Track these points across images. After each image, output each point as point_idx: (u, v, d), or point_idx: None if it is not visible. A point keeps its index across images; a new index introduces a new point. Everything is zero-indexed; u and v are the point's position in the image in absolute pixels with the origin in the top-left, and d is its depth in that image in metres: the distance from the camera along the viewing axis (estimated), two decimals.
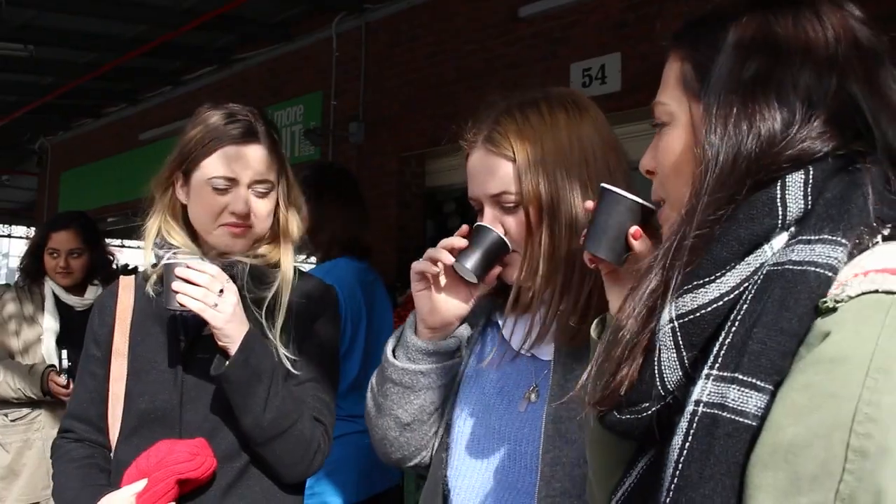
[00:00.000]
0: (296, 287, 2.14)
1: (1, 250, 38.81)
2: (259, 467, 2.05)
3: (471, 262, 1.61)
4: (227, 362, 1.96)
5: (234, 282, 2.03)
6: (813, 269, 0.92)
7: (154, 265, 2.09)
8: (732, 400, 0.91)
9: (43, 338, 4.13)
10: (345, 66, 8.04)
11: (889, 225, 0.97)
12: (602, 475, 1.30)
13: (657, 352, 1.02)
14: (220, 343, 1.98)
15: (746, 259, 0.99)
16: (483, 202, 1.67)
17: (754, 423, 0.90)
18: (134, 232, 2.23)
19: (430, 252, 1.66)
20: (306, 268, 3.94)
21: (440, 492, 1.74)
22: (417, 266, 1.68)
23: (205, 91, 10.09)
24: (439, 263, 1.64)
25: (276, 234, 2.13)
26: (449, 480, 1.73)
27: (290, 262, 2.13)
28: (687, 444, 0.93)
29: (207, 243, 2.09)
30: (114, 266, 4.51)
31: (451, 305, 1.71)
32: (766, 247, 0.99)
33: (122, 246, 18.32)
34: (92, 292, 4.25)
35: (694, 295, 1.00)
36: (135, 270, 12.92)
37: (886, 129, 1.02)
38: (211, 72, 9.98)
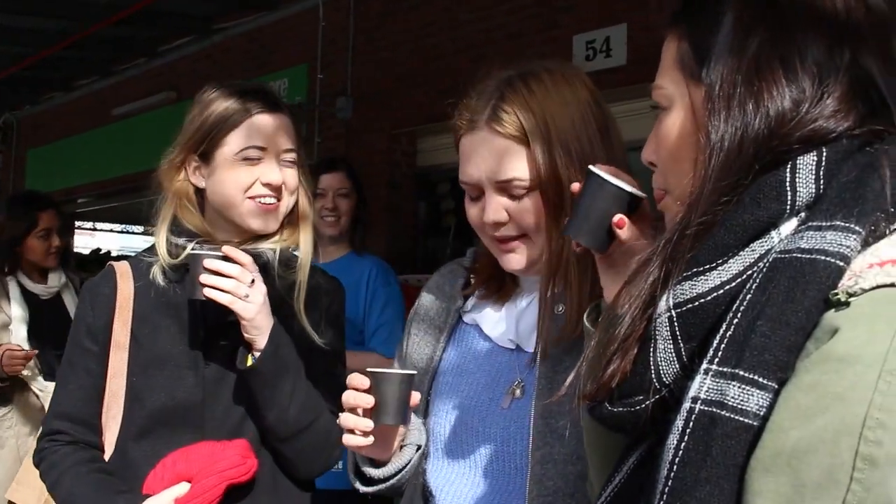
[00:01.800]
0: (310, 279, 2.15)
1: None
2: (277, 463, 2.08)
3: (389, 416, 1.57)
4: (259, 354, 1.98)
5: (267, 270, 2.06)
6: (823, 257, 0.91)
7: (171, 254, 2.08)
8: (732, 398, 0.90)
9: (12, 327, 4.12)
10: (332, 37, 8.00)
11: None
12: (599, 467, 1.31)
13: (653, 342, 1.02)
14: (247, 335, 1.99)
15: (751, 245, 0.98)
16: (486, 187, 1.64)
17: (755, 423, 0.89)
18: (108, 214, 2.22)
19: (347, 423, 1.61)
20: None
21: (419, 501, 1.74)
22: (347, 443, 1.63)
23: (183, 63, 10.04)
24: (359, 429, 1.60)
25: (294, 216, 2.16)
26: (432, 487, 1.72)
27: (309, 244, 2.16)
28: (683, 443, 0.92)
29: (232, 224, 2.10)
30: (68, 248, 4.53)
31: (390, 438, 1.68)
32: (773, 233, 0.97)
33: (94, 229, 18.26)
34: (55, 278, 4.24)
35: (693, 282, 0.99)
36: (108, 255, 12.82)
37: None
38: (189, 42, 9.91)
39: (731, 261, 0.98)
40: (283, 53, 8.66)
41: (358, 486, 1.77)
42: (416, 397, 1.61)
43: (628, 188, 1.31)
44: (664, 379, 1.01)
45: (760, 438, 0.88)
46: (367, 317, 3.77)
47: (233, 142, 2.06)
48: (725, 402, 0.90)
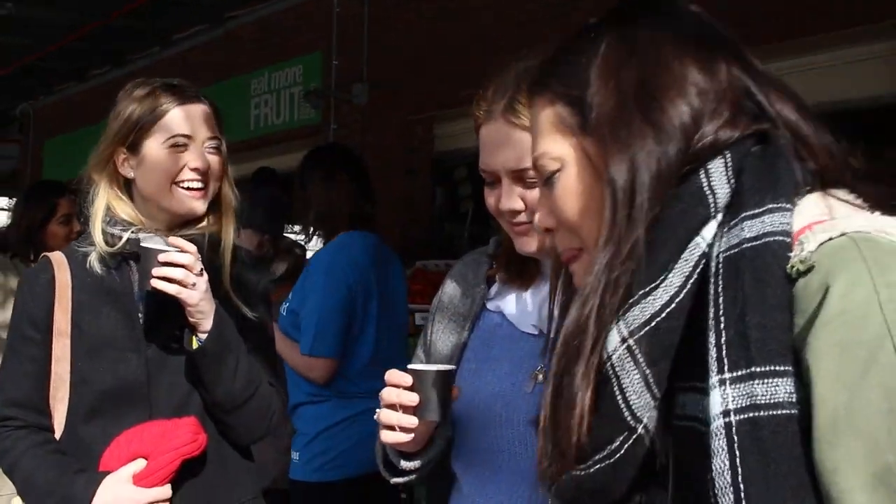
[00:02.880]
0: (236, 259, 2.32)
1: None
2: (220, 432, 2.24)
3: (433, 412, 1.62)
4: (205, 336, 2.12)
5: (200, 255, 2.18)
6: (772, 238, 0.95)
7: (108, 243, 2.21)
8: (762, 396, 0.90)
9: None
10: (346, 24, 8.00)
11: (806, 188, 1.02)
12: None
13: (613, 381, 1.01)
14: (192, 319, 2.12)
15: (683, 256, 1.00)
16: (502, 176, 1.68)
17: (794, 411, 0.90)
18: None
19: (390, 420, 1.64)
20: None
21: (444, 486, 1.78)
22: (386, 440, 1.67)
23: (196, 51, 10.06)
24: (401, 426, 1.64)
25: (218, 202, 2.32)
26: (457, 472, 1.76)
27: (231, 228, 2.31)
28: (737, 460, 0.91)
29: (162, 211, 2.24)
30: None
31: (426, 431, 1.71)
32: (697, 239, 1.00)
33: None
34: None
35: (643, 305, 0.99)
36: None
37: (779, 106, 1.06)
38: (202, 31, 9.93)
39: (670, 275, 0.99)
40: (296, 41, 8.67)
41: (388, 476, 1.80)
42: (456, 392, 1.65)
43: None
44: (637, 413, 1.00)
45: (813, 419, 0.89)
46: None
47: (159, 132, 2.22)
48: (757, 402, 0.90)
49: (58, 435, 2.18)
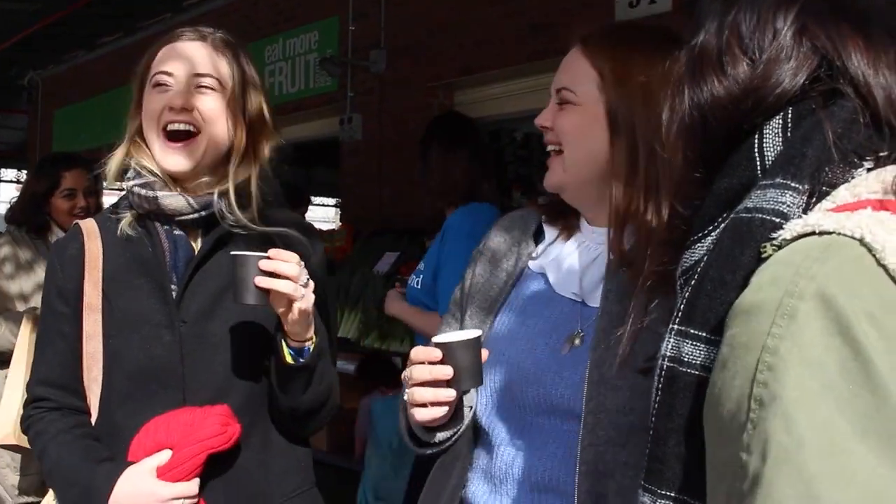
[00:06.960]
0: (278, 220, 2.15)
1: None
2: (265, 421, 2.12)
3: (469, 381, 1.62)
4: (311, 349, 2.02)
5: (222, 219, 2.08)
6: (759, 215, 0.96)
7: (126, 200, 2.13)
8: (686, 353, 1.00)
9: None
10: None
11: (870, 158, 0.99)
12: None
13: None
14: (290, 329, 1.98)
15: (724, 214, 1.03)
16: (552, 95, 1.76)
17: (705, 376, 0.97)
18: None
19: (425, 397, 1.64)
20: None
21: (466, 446, 1.80)
22: (423, 418, 1.67)
23: (209, 17, 10.05)
24: (441, 401, 1.64)
25: (245, 153, 2.14)
26: (484, 427, 1.78)
27: (254, 183, 2.13)
28: (658, 397, 1.03)
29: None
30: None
31: (454, 401, 1.71)
32: (745, 199, 1.01)
33: (122, 189, 18.42)
34: None
35: (692, 251, 1.06)
36: None
37: (851, 58, 1.02)
38: None
39: (715, 232, 1.03)
40: (312, 5, 8.65)
41: (416, 448, 1.82)
42: (485, 354, 1.66)
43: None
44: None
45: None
46: (437, 278, 3.78)
47: (150, 72, 2.11)
48: (682, 357, 1.00)
49: (94, 417, 2.08)
